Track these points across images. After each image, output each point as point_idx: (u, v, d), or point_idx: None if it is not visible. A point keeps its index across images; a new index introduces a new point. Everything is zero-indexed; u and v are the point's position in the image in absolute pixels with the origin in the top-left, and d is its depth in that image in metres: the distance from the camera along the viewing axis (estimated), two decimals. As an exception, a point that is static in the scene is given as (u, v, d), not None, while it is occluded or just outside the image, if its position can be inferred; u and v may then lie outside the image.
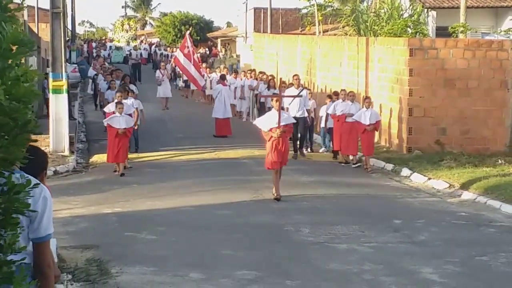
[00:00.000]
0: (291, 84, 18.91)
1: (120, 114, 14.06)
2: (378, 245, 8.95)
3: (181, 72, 25.67)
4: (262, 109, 19.88)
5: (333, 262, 8.10)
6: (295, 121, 12.27)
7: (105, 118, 15.07)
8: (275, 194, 11.54)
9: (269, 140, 11.53)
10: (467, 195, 12.43)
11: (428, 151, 15.76)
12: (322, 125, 16.98)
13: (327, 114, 16.38)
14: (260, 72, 22.27)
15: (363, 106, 14.99)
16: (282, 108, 12.52)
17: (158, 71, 26.92)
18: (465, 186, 12.87)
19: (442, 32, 22.18)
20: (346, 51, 20.12)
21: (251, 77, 22.95)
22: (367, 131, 14.61)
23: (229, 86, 23.07)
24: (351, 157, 15.49)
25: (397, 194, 12.59)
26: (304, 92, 16.23)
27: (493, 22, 24.64)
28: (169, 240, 9.10)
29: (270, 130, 11.52)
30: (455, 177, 13.48)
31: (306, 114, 16.24)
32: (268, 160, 11.62)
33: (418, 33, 22.09)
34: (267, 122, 11.72)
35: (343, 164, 15.43)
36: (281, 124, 11.45)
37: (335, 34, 25.57)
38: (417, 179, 13.92)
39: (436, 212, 11.16)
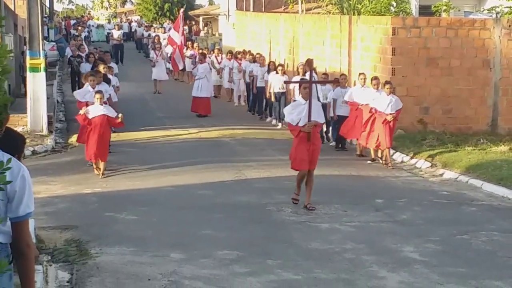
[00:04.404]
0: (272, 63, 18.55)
1: (100, 104, 12.05)
2: (360, 224, 8.94)
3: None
4: (260, 94, 19.45)
5: (314, 241, 8.08)
6: (324, 120, 10.33)
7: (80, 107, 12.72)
8: (295, 194, 9.89)
9: (296, 136, 9.80)
10: (449, 174, 12.45)
11: (411, 130, 15.75)
12: (332, 114, 14.84)
13: (335, 101, 14.77)
14: (258, 54, 21.38)
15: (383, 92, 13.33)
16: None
17: (152, 52, 25.43)
18: (447, 165, 12.89)
19: (425, 11, 22.06)
20: (329, 30, 19.98)
21: (243, 58, 21.56)
22: (387, 121, 13.04)
23: (223, 68, 22.76)
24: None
25: (379, 174, 12.58)
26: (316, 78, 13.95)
27: (476, 1, 24.56)
28: (150, 220, 9.01)
29: (297, 126, 9.72)
30: (437, 156, 13.50)
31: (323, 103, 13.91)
32: (295, 159, 9.81)
33: (401, 12, 21.98)
34: (294, 114, 9.78)
35: (369, 161, 13.60)
36: (312, 119, 9.62)
37: (318, 13, 25.35)
38: (400, 158, 13.92)
39: (418, 191, 11.18)
